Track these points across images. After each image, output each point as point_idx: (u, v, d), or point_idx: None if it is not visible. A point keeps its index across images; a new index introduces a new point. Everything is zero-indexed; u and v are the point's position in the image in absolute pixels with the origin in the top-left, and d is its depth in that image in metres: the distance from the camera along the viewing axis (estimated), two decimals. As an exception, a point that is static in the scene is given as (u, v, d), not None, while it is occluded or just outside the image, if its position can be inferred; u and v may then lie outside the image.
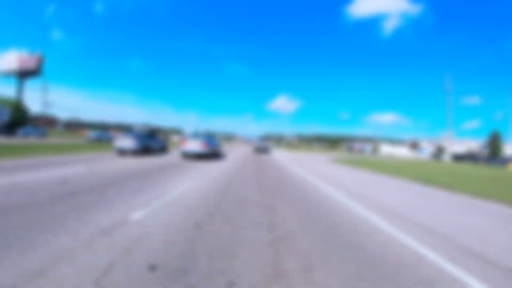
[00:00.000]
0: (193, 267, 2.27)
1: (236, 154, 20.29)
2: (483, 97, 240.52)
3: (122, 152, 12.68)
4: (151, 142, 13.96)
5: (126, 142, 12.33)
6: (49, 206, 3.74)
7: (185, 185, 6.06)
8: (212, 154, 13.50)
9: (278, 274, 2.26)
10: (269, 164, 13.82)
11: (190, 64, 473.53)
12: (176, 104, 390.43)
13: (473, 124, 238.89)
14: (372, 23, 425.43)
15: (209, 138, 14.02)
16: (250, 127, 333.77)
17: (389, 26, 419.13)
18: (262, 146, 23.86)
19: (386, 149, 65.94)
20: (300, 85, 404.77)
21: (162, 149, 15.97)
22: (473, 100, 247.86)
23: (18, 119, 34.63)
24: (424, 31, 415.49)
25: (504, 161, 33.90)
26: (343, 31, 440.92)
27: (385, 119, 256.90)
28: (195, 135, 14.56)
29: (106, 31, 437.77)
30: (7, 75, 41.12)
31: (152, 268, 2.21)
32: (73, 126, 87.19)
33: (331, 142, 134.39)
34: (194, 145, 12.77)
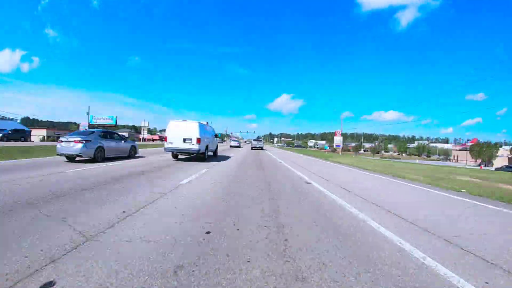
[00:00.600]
0: (241, 176, 7.28)
1: (245, 147, 38.18)
2: (489, 94, 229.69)
3: (67, 158, 9.49)
4: (109, 144, 10.36)
5: (70, 144, 9.11)
6: (148, 173, 6.96)
7: (233, 153, 18.63)
8: (239, 146, 36.30)
9: (261, 167, 9.97)
10: (261, 151, 27.42)
11: (190, 65, 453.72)
12: (176, 104, 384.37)
13: (474, 121, 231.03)
14: (386, 15, 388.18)
15: (238, 140, 45.26)
16: (252, 127, 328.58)
17: (405, 18, 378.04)
18: (257, 145, 31.39)
19: None
20: (304, 84, 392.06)
21: (128, 153, 11.76)
22: (478, 96, 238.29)
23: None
24: (440, 25, 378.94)
25: None
26: (354, 25, 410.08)
27: (387, 117, 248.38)
28: (233, 139, 45.59)
29: (104, 30, 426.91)
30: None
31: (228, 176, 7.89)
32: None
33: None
34: (234, 143, 37.14)
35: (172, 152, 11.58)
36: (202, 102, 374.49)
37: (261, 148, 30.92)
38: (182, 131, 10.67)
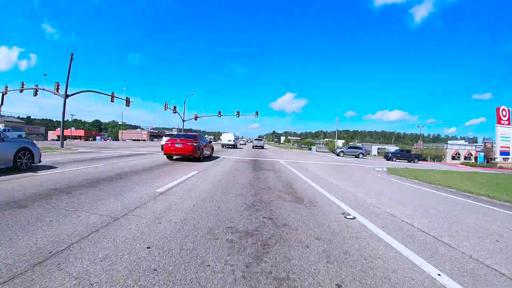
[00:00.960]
0: (249, 150, 25.07)
1: (248, 145, 46.54)
2: (496, 93, 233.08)
3: None
4: None
5: None
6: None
7: (243, 147, 34.01)
8: (245, 144, 56.73)
9: (258, 155, 21.66)
10: (261, 148, 34.04)
11: (191, 64, 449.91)
12: (175, 104, 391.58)
13: (478, 120, 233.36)
14: (400, 9, 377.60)
15: (244, 141, 71.54)
16: (253, 126, 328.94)
17: (419, 14, 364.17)
18: (258, 144, 33.99)
19: None
20: (308, 83, 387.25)
21: (13, 162, 6.48)
22: (485, 96, 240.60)
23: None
24: (455, 21, 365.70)
25: None
26: (364, 21, 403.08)
27: (391, 116, 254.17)
28: (239, 139, 51.02)
29: (101, 28, 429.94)
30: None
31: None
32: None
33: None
34: (242, 142, 60.49)
35: (223, 146, 28.07)
36: (202, 101, 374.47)
37: (262, 147, 33.09)
38: (227, 137, 27.62)
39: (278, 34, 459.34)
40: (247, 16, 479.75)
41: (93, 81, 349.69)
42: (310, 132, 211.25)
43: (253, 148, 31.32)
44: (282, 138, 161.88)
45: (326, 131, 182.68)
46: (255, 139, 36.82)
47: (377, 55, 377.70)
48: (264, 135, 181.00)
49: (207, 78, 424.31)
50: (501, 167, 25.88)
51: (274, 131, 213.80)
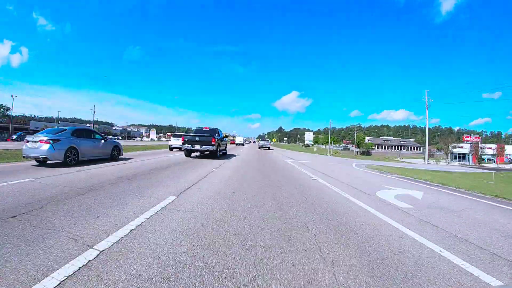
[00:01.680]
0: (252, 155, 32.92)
1: (253, 146, 52.57)
2: (506, 92, 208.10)
3: (37, 161, 8.39)
4: (85, 144, 9.09)
5: (36, 144, 7.88)
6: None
7: (244, 148, 34.50)
8: (250, 143, 73.76)
9: (258, 152, 28.36)
10: (265, 149, 35.79)
11: (191, 63, 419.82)
12: (177, 104, 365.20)
13: (483, 120, 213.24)
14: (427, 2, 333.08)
15: (249, 140, 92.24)
16: (255, 126, 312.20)
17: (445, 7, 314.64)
18: (264, 145, 34.05)
19: None
20: (312, 83, 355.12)
21: (111, 155, 10.39)
22: (495, 95, 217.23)
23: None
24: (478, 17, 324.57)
25: None
26: (384, 14, 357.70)
27: (396, 116, 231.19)
28: (244, 139, 64.59)
29: (101, 26, 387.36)
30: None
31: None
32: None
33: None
34: (247, 142, 75.67)
35: (237, 144, 48.04)
36: (203, 101, 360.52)
37: (268, 148, 33.31)
38: (239, 139, 48.59)
39: (279, 33, 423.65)
40: (252, 14, 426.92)
41: (88, 79, 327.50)
42: (334, 128, 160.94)
43: (259, 149, 31.73)
44: (308, 136, 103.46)
45: (360, 124, 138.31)
46: (262, 140, 38.59)
47: (384, 53, 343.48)
48: (266, 133, 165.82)
49: (208, 77, 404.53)
50: None
51: (281, 127, 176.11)
